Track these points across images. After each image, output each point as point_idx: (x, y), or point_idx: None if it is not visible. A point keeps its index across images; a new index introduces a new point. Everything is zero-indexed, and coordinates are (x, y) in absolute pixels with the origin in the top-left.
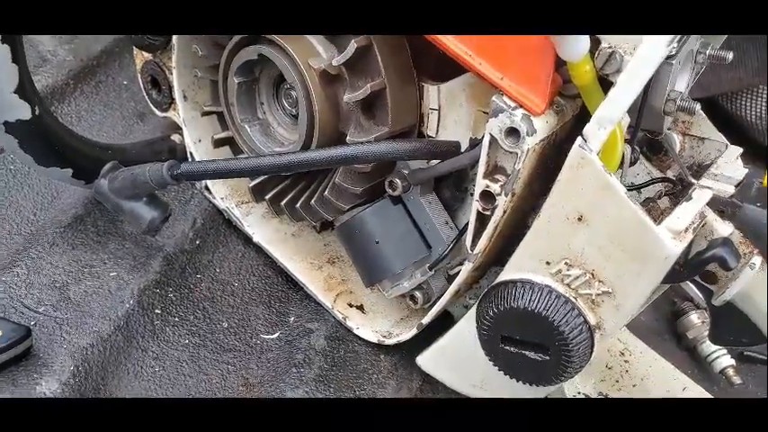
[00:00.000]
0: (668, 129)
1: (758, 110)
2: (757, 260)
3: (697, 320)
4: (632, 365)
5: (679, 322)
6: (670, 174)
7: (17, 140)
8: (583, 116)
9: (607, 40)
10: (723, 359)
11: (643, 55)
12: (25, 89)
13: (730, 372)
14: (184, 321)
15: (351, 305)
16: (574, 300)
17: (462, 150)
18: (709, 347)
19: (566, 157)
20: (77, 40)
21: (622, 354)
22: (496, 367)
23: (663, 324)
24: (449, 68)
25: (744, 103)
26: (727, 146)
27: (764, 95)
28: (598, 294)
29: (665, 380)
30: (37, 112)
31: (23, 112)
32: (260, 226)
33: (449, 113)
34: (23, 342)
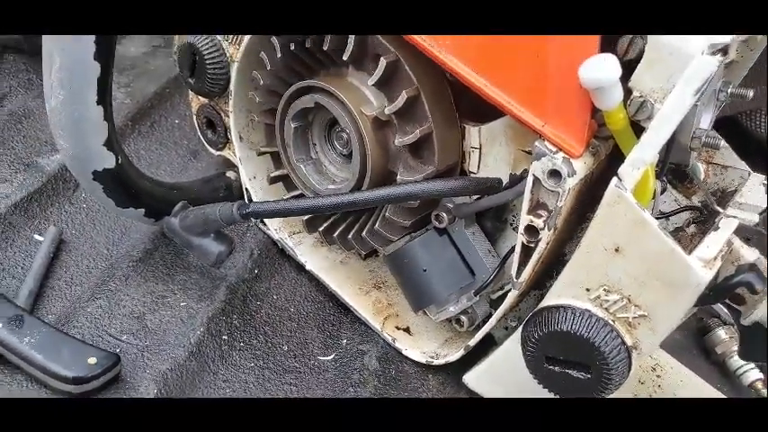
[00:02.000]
0: (698, 154)
1: None
2: None
3: (725, 336)
4: (664, 380)
5: (707, 338)
6: (695, 200)
7: (102, 186)
8: (615, 154)
9: (639, 90)
10: (751, 373)
11: (673, 103)
12: (112, 142)
13: (759, 385)
14: (249, 346)
15: (398, 328)
16: (612, 323)
17: (503, 185)
18: (737, 362)
19: (601, 192)
20: (134, 84)
21: (654, 369)
22: (541, 385)
23: (691, 340)
24: (488, 110)
25: (763, 120)
26: (750, 173)
27: None
28: (634, 318)
29: (696, 394)
30: (120, 161)
31: (109, 161)
32: (311, 255)
33: (489, 152)
34: (115, 367)
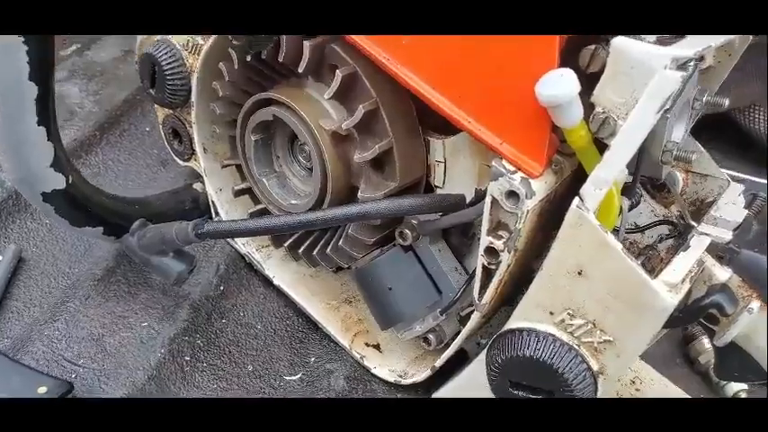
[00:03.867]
0: (671, 167)
1: None
2: (755, 305)
3: (708, 345)
4: (643, 393)
5: (691, 347)
6: (674, 209)
7: (53, 207)
8: (581, 171)
9: (601, 105)
10: (735, 384)
11: (635, 120)
12: (60, 162)
13: (743, 396)
14: (212, 366)
15: (368, 344)
16: (577, 347)
17: (468, 201)
18: None
19: (565, 211)
20: (102, 92)
21: (633, 382)
22: None
23: (674, 349)
24: (452, 123)
25: (756, 116)
26: (729, 182)
27: None
28: (600, 342)
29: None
30: (70, 181)
31: (58, 182)
32: (279, 268)
33: (454, 165)
34: (67, 396)
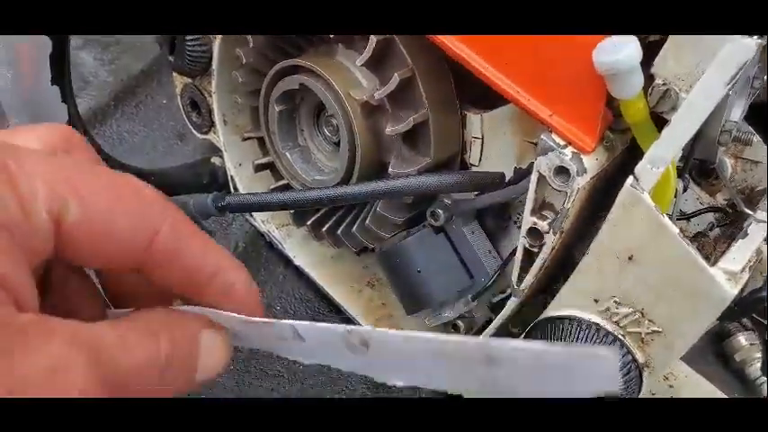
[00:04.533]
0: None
1: None
2: None
3: (745, 342)
4: (677, 391)
5: (726, 343)
6: (720, 198)
7: None
8: (633, 148)
9: (661, 77)
10: None
11: (701, 93)
12: (74, 124)
13: None
14: None
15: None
16: (622, 338)
17: (507, 179)
18: (757, 370)
19: (615, 191)
20: (118, 61)
21: (666, 378)
22: None
23: (708, 345)
24: (492, 96)
25: None
26: None
27: None
28: (648, 333)
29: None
30: None
31: None
32: (300, 248)
33: (492, 142)
34: None
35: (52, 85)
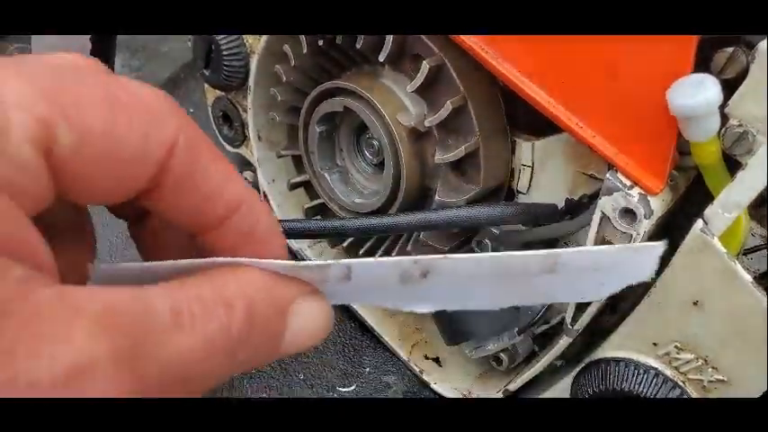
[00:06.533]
0: None
1: None
2: None
3: None
4: None
5: None
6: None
7: None
8: (695, 186)
9: (738, 117)
10: None
11: None
12: None
13: None
14: (261, 373)
15: (427, 357)
16: (682, 384)
17: (559, 212)
18: None
19: (673, 226)
20: (145, 68)
21: None
22: None
23: None
24: (544, 123)
25: None
26: None
27: None
28: (711, 381)
29: None
30: None
31: None
32: None
33: (543, 171)
34: None
35: None
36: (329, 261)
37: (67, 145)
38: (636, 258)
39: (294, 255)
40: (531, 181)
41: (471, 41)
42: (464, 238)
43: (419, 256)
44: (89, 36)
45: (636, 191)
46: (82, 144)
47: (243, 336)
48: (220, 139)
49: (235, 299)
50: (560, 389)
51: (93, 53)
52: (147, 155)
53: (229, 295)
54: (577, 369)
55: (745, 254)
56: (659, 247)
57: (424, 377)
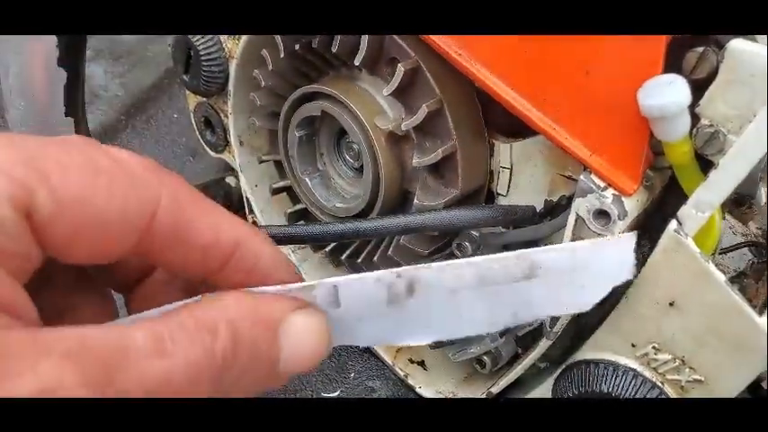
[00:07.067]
0: None
1: None
2: None
3: None
4: None
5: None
6: (752, 226)
7: None
8: (670, 187)
9: (708, 117)
10: None
11: (751, 137)
12: None
13: None
14: None
15: (411, 361)
16: (661, 385)
17: (537, 214)
18: None
19: (649, 226)
20: (129, 75)
21: None
22: None
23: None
24: (522, 125)
25: None
26: None
27: None
28: (688, 381)
29: None
30: None
31: None
32: (316, 272)
33: (522, 172)
34: None
35: (66, 116)
36: (313, 282)
37: (46, 208)
38: (609, 252)
39: None
40: (510, 183)
41: (445, 44)
42: (445, 240)
43: (401, 268)
44: (55, 37)
45: (610, 192)
46: (61, 208)
47: (228, 358)
48: (203, 144)
49: (218, 322)
50: (542, 391)
51: (60, 56)
52: (128, 219)
53: (212, 319)
54: (559, 371)
55: (723, 252)
56: (631, 237)
57: (409, 381)
